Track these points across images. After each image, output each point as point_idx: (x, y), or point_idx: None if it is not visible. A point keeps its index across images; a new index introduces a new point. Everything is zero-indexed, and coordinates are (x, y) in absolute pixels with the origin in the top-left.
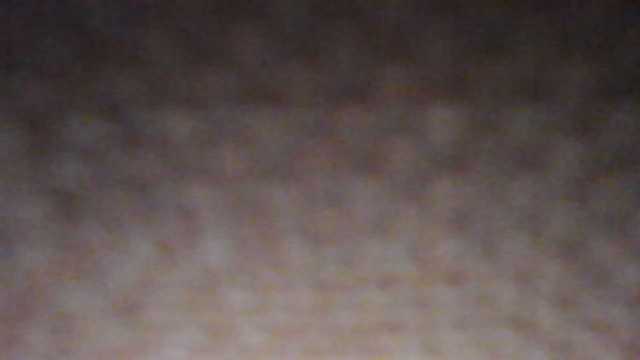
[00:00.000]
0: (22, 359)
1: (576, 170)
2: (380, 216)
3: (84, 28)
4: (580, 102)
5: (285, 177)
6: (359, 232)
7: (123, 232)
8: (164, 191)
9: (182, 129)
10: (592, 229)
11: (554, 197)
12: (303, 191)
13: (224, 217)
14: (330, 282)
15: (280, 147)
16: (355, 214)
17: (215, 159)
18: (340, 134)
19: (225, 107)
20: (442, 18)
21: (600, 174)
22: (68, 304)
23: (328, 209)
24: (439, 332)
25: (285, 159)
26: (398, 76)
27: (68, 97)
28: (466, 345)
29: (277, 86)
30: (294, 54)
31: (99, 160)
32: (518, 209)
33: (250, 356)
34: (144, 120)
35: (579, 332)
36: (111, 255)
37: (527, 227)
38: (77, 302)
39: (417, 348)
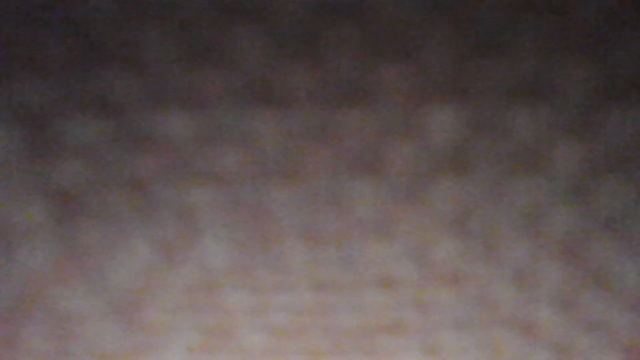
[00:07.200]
0: (21, 359)
1: (576, 170)
2: (381, 217)
3: (84, 28)
4: (580, 102)
5: (285, 178)
6: (359, 233)
7: (123, 232)
8: (164, 191)
9: (182, 129)
10: (592, 229)
11: (554, 197)
12: (303, 192)
13: (224, 217)
14: (330, 283)
15: (280, 147)
16: (355, 215)
17: (215, 159)
18: (340, 134)
19: (225, 108)
20: (442, 19)
21: (601, 174)
22: (67, 304)
23: (328, 209)
24: (439, 333)
25: (286, 160)
26: (398, 77)
27: (68, 97)
28: (466, 346)
29: (277, 87)
30: (295, 55)
31: (99, 160)
32: (518, 209)
33: (250, 357)
34: (144, 120)
35: (580, 333)
36: (111, 256)
37: (528, 228)
38: (76, 303)
39: (418, 349)
